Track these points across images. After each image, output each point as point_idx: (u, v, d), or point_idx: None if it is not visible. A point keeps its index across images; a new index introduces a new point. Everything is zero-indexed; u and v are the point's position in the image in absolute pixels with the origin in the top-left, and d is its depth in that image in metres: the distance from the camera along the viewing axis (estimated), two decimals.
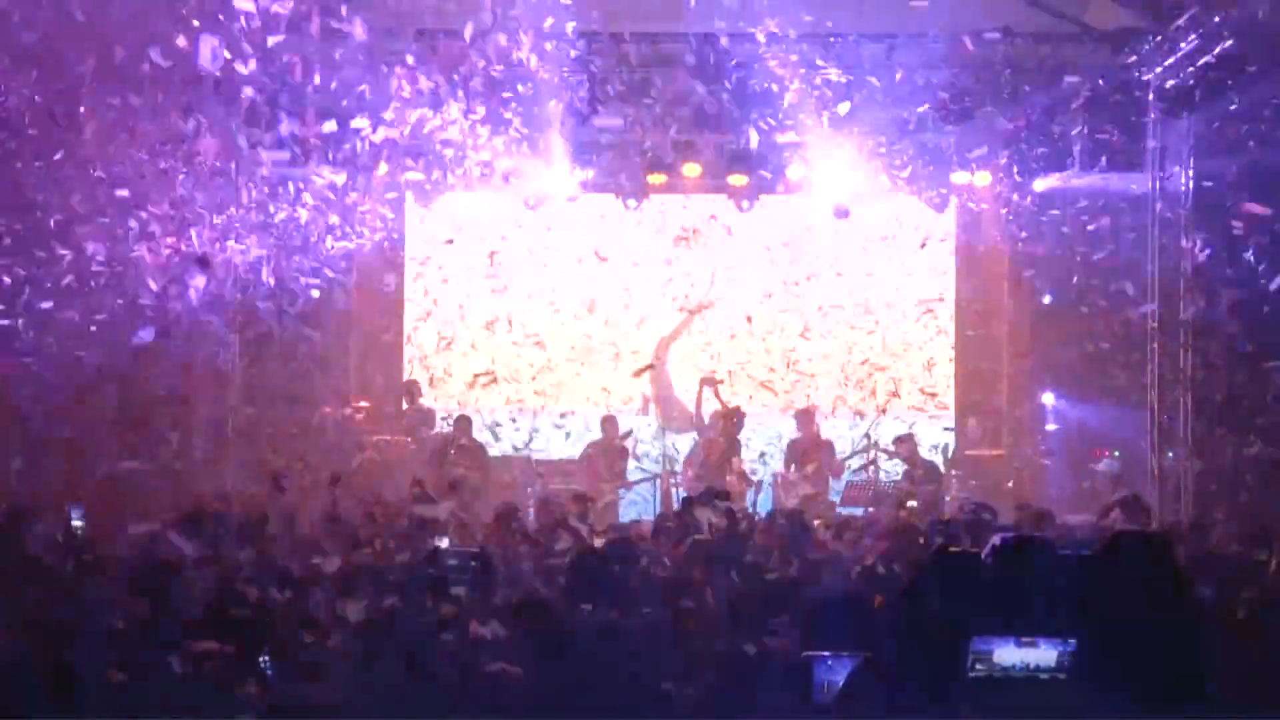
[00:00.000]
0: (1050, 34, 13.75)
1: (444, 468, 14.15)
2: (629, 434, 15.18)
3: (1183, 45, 13.41)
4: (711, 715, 5.59)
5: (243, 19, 11.33)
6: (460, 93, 13.00)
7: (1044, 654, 2.00)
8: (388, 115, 13.02)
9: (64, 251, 11.54)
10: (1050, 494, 14.35)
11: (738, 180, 15.14)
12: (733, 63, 13.67)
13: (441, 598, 7.37)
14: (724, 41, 13.46)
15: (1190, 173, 13.99)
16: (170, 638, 6.12)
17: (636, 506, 14.69)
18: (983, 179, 15.35)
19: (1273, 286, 12.61)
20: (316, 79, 12.34)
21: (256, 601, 6.84)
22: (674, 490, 14.58)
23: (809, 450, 14.73)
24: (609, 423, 15.18)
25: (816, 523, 12.07)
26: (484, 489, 14.07)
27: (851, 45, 13.61)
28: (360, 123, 12.94)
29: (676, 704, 5.56)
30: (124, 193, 11.78)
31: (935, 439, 15.24)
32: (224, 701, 5.53)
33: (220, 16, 11.50)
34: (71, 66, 10.95)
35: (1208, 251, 13.56)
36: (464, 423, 15.07)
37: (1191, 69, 13.41)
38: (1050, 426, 15.37)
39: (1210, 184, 13.71)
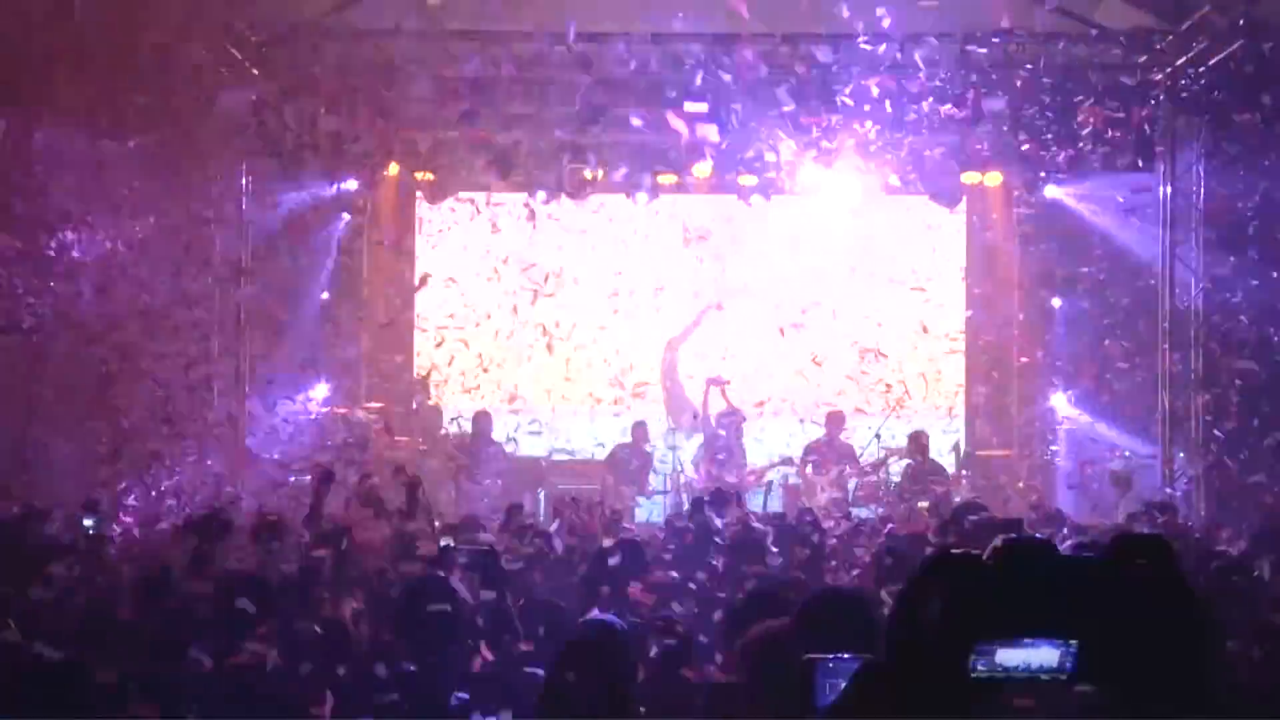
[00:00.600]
0: (1061, 34, 13.71)
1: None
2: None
3: (1194, 45, 13.38)
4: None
5: None
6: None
7: (1046, 655, 1.99)
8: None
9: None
10: (1061, 495, 14.32)
11: (747, 180, 15.11)
12: (745, 63, 13.66)
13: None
14: (734, 42, 13.47)
15: (1201, 172, 13.96)
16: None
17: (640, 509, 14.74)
18: (993, 179, 15.34)
19: None
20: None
21: None
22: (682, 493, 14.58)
23: (829, 453, 14.71)
24: (639, 428, 15.21)
25: (829, 524, 12.09)
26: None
27: (861, 45, 13.58)
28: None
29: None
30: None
31: (945, 439, 15.20)
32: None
33: None
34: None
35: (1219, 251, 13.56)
36: (483, 420, 15.11)
37: (1203, 69, 13.38)
38: (1061, 427, 15.34)
39: (1221, 183, 13.70)
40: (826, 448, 14.79)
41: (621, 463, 14.91)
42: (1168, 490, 13.55)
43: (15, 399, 11.54)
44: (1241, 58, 12.89)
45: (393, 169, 15.08)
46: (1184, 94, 13.65)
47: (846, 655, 4.09)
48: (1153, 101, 13.88)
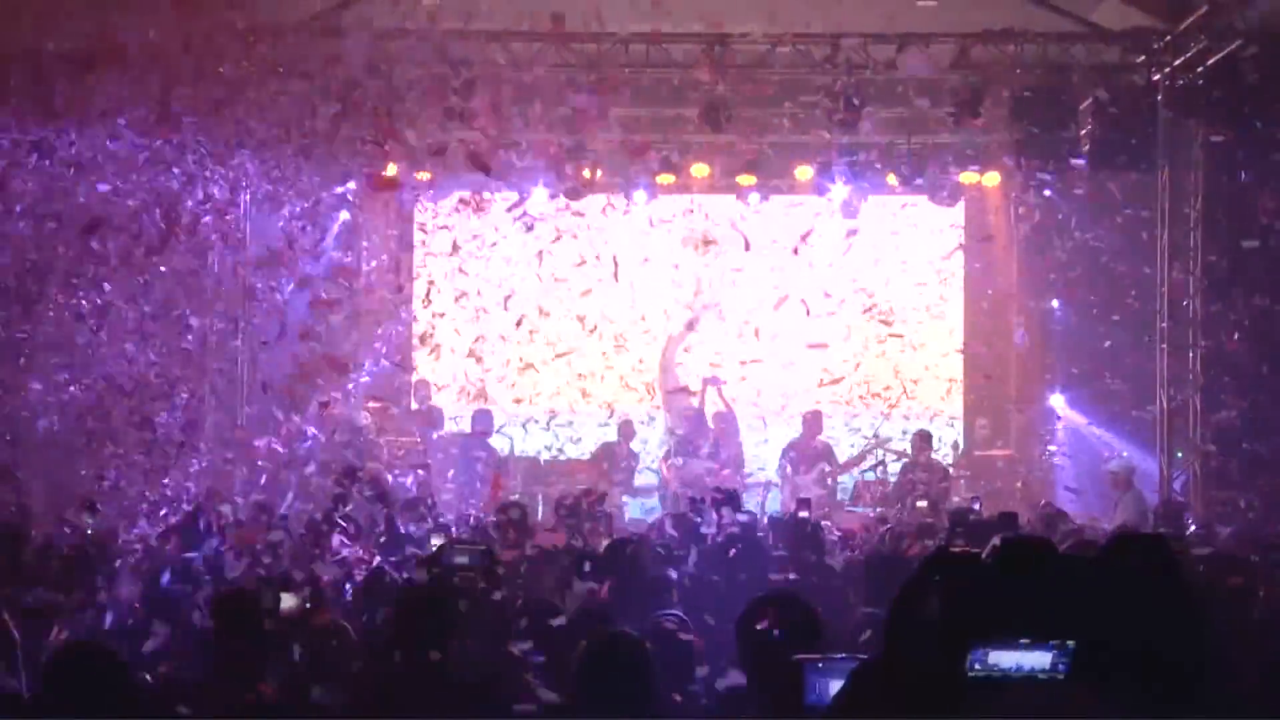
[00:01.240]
0: (1059, 34, 13.71)
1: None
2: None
3: (1192, 45, 13.38)
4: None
5: None
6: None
7: (1041, 656, 1.97)
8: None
9: None
10: (1059, 494, 14.32)
11: (746, 180, 15.11)
12: (741, 63, 13.67)
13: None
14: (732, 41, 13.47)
15: (1199, 173, 13.96)
16: None
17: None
18: (991, 179, 15.34)
19: None
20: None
21: None
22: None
23: (808, 452, 14.72)
24: (625, 426, 15.24)
25: (825, 524, 12.09)
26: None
27: (859, 44, 13.58)
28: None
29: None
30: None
31: (943, 438, 15.21)
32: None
33: None
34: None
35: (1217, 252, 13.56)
36: (484, 418, 15.11)
37: (1201, 69, 13.38)
38: (1059, 426, 15.35)
39: (1220, 184, 13.70)
40: (804, 447, 14.81)
41: (607, 461, 14.94)
42: (1172, 489, 13.57)
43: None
44: (1240, 58, 12.88)
45: (391, 169, 15.05)
46: (1182, 93, 13.64)
47: (839, 655, 4.11)
48: (1151, 102, 13.88)
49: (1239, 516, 12.40)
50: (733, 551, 9.49)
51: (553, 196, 15.17)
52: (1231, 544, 10.24)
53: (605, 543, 9.59)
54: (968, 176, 15.22)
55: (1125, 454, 14.24)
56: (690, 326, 16.28)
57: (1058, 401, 15.34)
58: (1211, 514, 12.85)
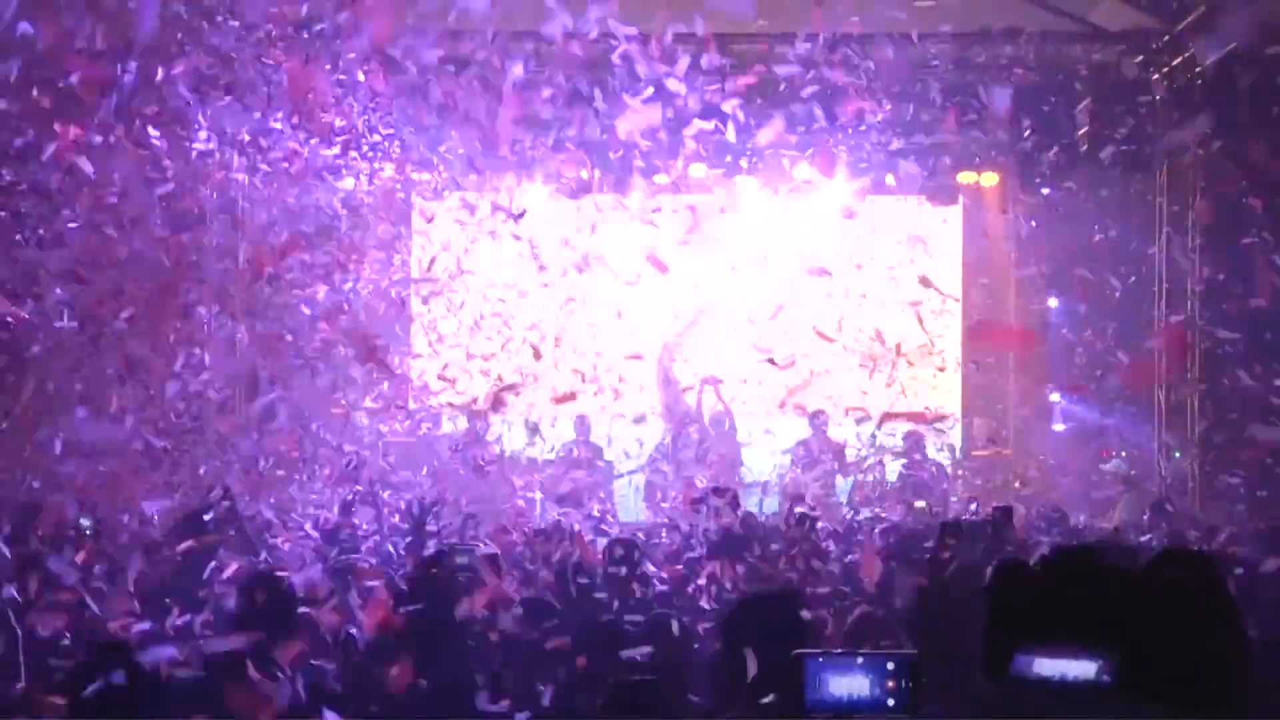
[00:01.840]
0: (1057, 33, 13.72)
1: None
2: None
3: (1190, 45, 13.40)
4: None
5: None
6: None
7: (1085, 665, 1.99)
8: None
9: None
10: (1057, 494, 14.32)
11: (744, 180, 15.12)
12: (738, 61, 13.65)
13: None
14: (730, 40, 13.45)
15: (1197, 172, 13.98)
16: None
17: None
18: (989, 179, 15.36)
19: None
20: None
21: None
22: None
23: (815, 451, 14.73)
24: (580, 423, 15.23)
25: (820, 525, 12.07)
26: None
27: (857, 43, 13.57)
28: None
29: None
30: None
31: (940, 438, 15.21)
32: None
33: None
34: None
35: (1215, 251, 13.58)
36: (483, 419, 15.08)
37: (1200, 69, 13.40)
38: (1057, 426, 15.36)
39: (1218, 183, 13.71)
40: (814, 445, 14.81)
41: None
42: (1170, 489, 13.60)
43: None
44: (1238, 57, 12.89)
45: (388, 169, 15.02)
46: (1180, 93, 13.66)
47: (838, 651, 4.12)
48: (1149, 101, 13.90)
49: (1236, 515, 12.41)
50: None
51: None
52: (1233, 544, 10.30)
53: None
54: (966, 176, 15.24)
55: (1124, 454, 14.27)
56: (687, 326, 16.27)
57: (1056, 400, 15.35)
58: (1209, 513, 12.87)
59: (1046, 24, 13.60)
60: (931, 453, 14.83)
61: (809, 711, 3.88)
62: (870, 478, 14.74)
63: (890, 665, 3.87)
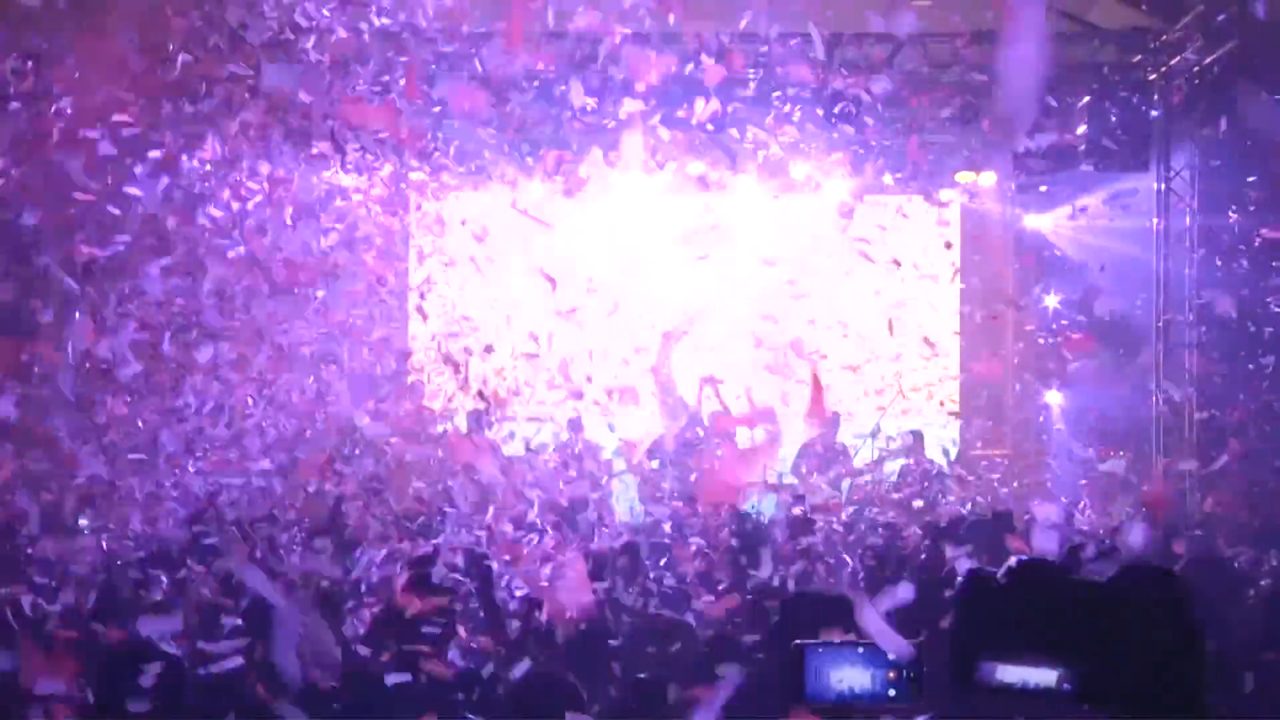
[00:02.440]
0: (1056, 33, 13.70)
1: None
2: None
3: (1189, 45, 13.39)
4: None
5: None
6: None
7: (1046, 674, 2.02)
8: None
9: None
10: (1056, 495, 14.32)
11: (742, 179, 15.12)
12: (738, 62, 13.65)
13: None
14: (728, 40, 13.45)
15: (1196, 171, 13.98)
16: None
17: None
18: (988, 179, 15.35)
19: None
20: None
21: None
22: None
23: (825, 453, 14.72)
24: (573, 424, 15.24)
25: (820, 524, 12.09)
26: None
27: (855, 43, 13.58)
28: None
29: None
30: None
31: (939, 438, 15.21)
32: None
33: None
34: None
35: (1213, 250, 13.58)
36: (480, 417, 15.07)
37: (1198, 69, 13.39)
38: (1057, 426, 15.35)
39: (1217, 183, 13.71)
40: (821, 447, 14.80)
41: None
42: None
43: None
44: (1236, 56, 12.89)
45: (385, 169, 15.04)
46: (1179, 93, 13.65)
47: (837, 640, 4.13)
48: (1148, 101, 13.89)
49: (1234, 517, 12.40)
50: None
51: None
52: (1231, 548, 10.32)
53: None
54: (964, 176, 15.23)
55: (1122, 454, 14.26)
56: (686, 326, 16.26)
57: (1053, 400, 15.34)
58: (1207, 514, 12.86)
59: (1046, 24, 13.57)
60: (931, 454, 14.83)
61: (809, 701, 3.89)
62: (868, 478, 14.74)
63: (891, 655, 3.88)
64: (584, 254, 15.87)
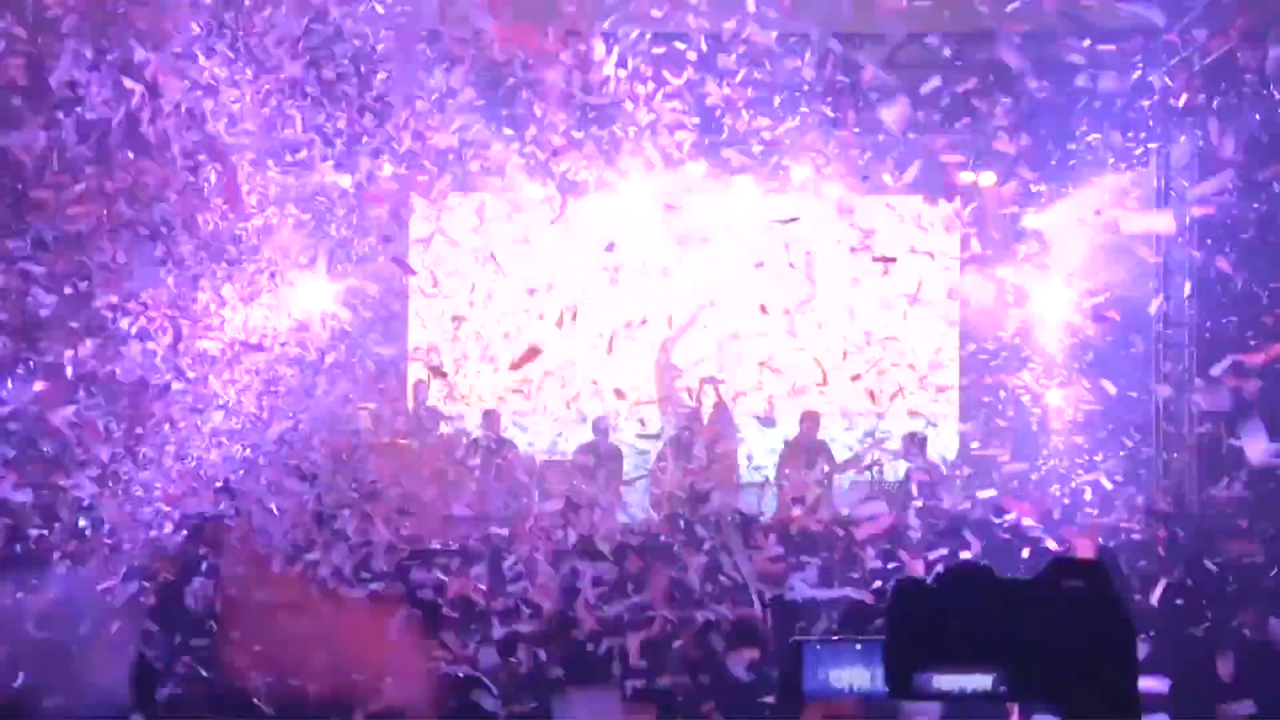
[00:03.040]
0: (1055, 33, 13.68)
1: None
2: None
3: (1189, 45, 13.36)
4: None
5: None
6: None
7: (981, 679, 2.04)
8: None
9: None
10: (1058, 494, 14.31)
11: (741, 179, 15.11)
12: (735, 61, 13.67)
13: None
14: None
15: (1196, 170, 13.93)
16: None
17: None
18: (987, 178, 15.32)
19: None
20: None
21: None
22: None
23: (807, 451, 14.74)
24: (600, 422, 15.21)
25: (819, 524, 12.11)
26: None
27: (854, 43, 13.57)
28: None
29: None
30: None
31: (938, 438, 15.21)
32: None
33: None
34: None
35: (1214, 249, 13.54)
36: (493, 419, 15.09)
37: (1199, 68, 13.36)
38: (1056, 426, 15.33)
39: (1217, 182, 13.66)
40: (801, 445, 14.83)
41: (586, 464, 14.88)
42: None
43: None
44: (1236, 55, 12.86)
45: (386, 169, 15.03)
46: (1179, 93, 13.62)
47: (835, 637, 4.12)
48: (1148, 100, 13.86)
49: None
50: None
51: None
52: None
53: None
54: (964, 175, 15.21)
55: (1123, 454, 14.24)
56: (686, 325, 16.26)
57: (1054, 400, 15.31)
58: (1208, 514, 12.85)
59: (1044, 23, 13.55)
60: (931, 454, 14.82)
61: (807, 698, 3.89)
62: (868, 476, 14.75)
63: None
64: (584, 254, 15.89)
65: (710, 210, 15.82)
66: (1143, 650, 5.44)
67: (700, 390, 15.57)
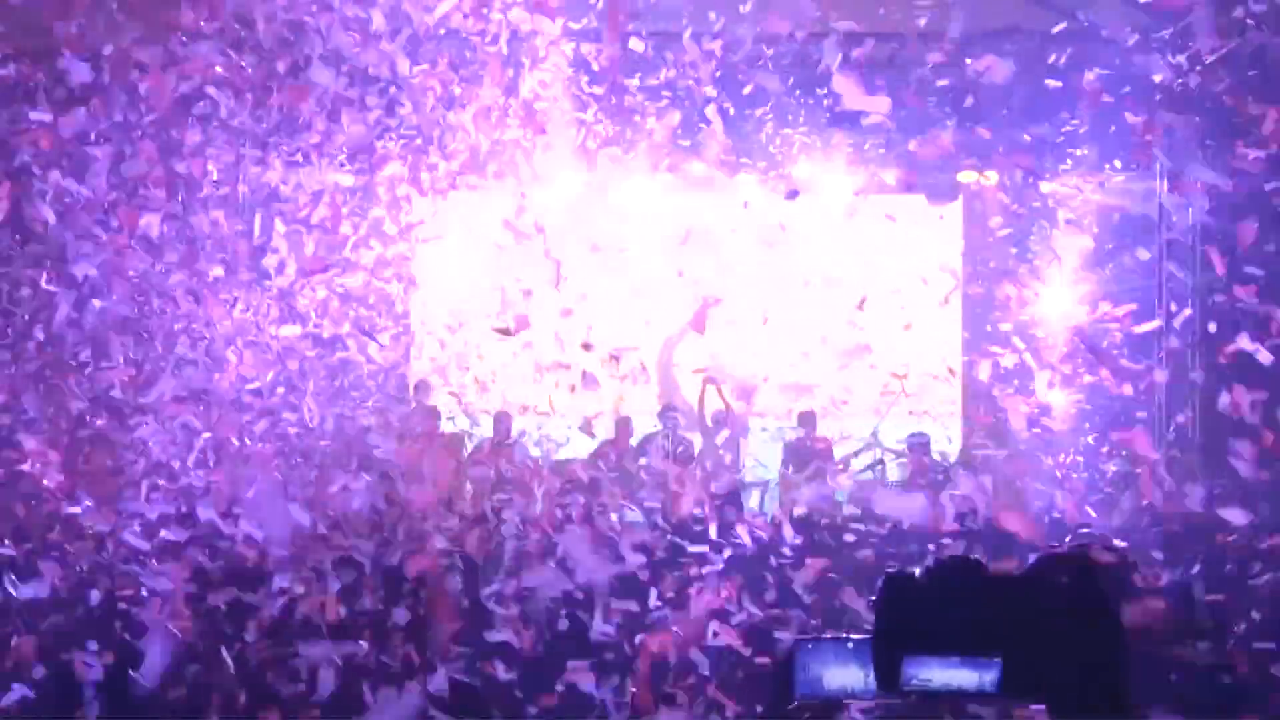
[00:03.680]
0: (1055, 32, 13.68)
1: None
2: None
3: (1190, 44, 13.34)
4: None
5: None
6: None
7: (969, 674, 2.02)
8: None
9: None
10: (1058, 494, 14.27)
11: (744, 178, 15.11)
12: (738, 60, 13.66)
13: None
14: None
15: (1196, 171, 13.90)
16: None
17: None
18: (989, 178, 15.32)
19: None
20: None
21: None
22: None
23: (809, 451, 14.73)
24: (623, 424, 15.15)
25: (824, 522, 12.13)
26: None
27: (857, 43, 13.56)
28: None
29: None
30: None
31: (940, 438, 15.19)
32: None
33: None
34: None
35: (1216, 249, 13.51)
36: (504, 419, 15.05)
37: (1199, 68, 13.33)
38: (1057, 426, 15.30)
39: (1218, 182, 13.63)
40: (802, 446, 14.81)
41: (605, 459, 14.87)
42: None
43: None
44: (1237, 55, 12.85)
45: (389, 168, 15.02)
46: (1179, 93, 13.60)
47: (828, 635, 4.12)
48: (1150, 99, 13.84)
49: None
50: None
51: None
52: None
53: None
54: (966, 175, 15.20)
55: (1124, 454, 14.20)
56: (689, 325, 16.23)
57: (1055, 400, 15.28)
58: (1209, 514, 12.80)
59: (1045, 22, 13.56)
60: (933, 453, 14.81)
61: (800, 697, 3.88)
62: (869, 475, 14.75)
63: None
64: (583, 254, 15.86)
65: (710, 210, 15.83)
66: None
67: (703, 390, 15.55)
